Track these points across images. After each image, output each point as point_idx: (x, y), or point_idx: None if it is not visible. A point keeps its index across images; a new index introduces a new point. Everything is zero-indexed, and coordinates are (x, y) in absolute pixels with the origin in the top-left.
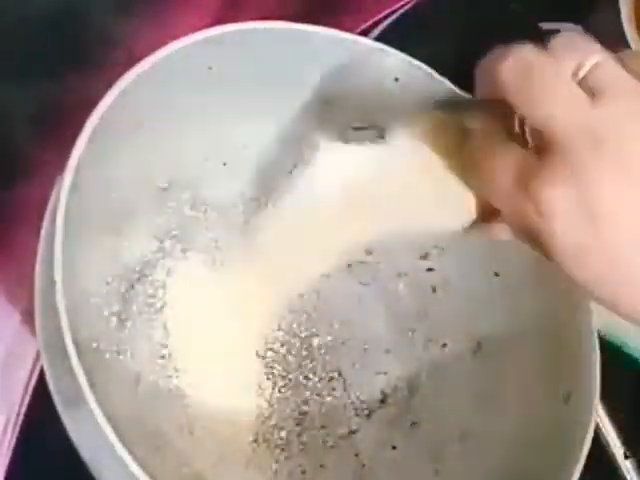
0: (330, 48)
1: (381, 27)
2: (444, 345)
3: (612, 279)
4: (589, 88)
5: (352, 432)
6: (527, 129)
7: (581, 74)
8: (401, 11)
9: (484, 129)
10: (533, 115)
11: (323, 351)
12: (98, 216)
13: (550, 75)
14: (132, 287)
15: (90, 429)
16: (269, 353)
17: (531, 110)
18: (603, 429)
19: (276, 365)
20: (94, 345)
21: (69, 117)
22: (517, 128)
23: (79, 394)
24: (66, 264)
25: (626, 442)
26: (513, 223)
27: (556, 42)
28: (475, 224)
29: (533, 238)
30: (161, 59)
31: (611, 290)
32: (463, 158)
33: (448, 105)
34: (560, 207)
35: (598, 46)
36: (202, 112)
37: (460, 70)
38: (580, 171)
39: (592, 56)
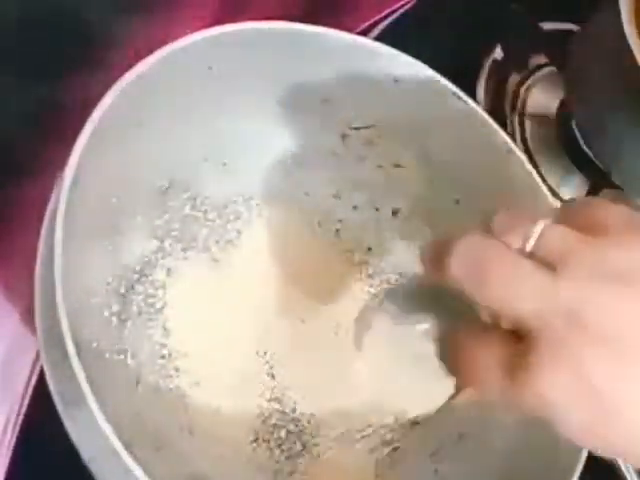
0: (330, 48)
1: (381, 27)
2: None
3: (630, 448)
4: (543, 258)
5: (352, 432)
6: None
7: (528, 248)
8: (401, 11)
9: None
10: (498, 307)
11: None
12: (98, 216)
13: (501, 263)
14: (132, 287)
15: (90, 429)
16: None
17: (495, 303)
18: None
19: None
20: (94, 345)
21: (69, 117)
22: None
23: (79, 394)
24: (66, 264)
25: None
26: (506, 405)
27: (496, 222)
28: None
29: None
30: (161, 59)
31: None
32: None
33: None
34: (558, 393)
35: (539, 214)
36: (202, 112)
37: (460, 70)
38: (567, 353)
39: (534, 227)
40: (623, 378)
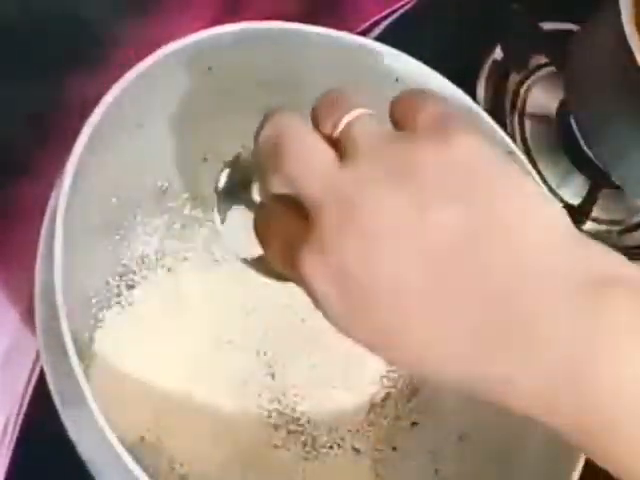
0: (330, 48)
1: (381, 27)
2: None
3: (387, 343)
4: (344, 147)
5: (352, 432)
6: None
7: (335, 134)
8: (401, 11)
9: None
10: (287, 184)
11: None
12: (98, 216)
13: (296, 141)
14: (132, 287)
15: (90, 429)
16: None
17: (284, 179)
18: None
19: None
20: (94, 345)
21: (69, 117)
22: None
23: (79, 394)
24: (66, 264)
25: None
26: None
27: (318, 102)
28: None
29: None
30: (161, 59)
31: (391, 349)
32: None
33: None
34: (319, 279)
35: (360, 102)
36: (202, 112)
37: (460, 70)
38: (333, 241)
39: (347, 114)
40: (376, 273)
